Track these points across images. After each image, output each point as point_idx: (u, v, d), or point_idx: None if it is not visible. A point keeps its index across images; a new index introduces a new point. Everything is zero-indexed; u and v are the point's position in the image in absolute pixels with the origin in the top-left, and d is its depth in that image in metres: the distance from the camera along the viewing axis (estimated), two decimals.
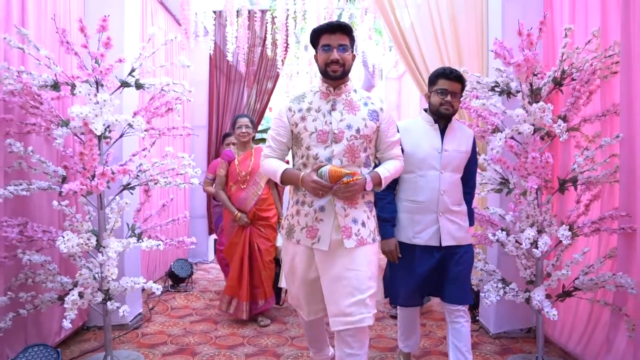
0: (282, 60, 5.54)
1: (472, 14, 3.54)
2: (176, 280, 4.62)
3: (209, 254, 6.14)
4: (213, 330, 3.51)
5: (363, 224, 2.05)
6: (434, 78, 2.39)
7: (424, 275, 2.36)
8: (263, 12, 5.49)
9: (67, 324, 2.26)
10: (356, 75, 7.42)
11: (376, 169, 2.09)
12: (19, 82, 2.49)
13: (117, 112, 2.58)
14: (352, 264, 1.99)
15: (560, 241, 2.60)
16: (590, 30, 2.69)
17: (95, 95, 2.45)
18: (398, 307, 2.59)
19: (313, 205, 2.03)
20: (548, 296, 2.65)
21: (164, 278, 4.75)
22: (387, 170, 2.08)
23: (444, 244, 2.33)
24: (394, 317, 3.57)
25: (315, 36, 2.06)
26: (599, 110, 2.74)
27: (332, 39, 2.00)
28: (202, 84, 5.82)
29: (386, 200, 2.40)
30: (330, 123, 2.02)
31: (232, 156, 3.72)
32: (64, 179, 2.65)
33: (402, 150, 2.29)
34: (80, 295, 2.39)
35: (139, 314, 3.65)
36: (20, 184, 2.51)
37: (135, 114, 2.72)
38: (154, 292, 2.66)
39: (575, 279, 2.65)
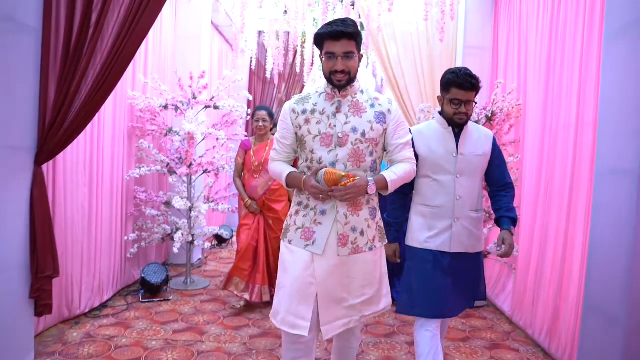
0: (307, 74, 7.04)
1: (445, 58, 4.98)
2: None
3: None
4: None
5: (362, 233, 1.94)
6: (447, 84, 2.23)
7: (439, 276, 2.22)
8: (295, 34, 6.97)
9: (176, 249, 3.86)
10: (366, 83, 8.85)
11: (382, 172, 1.96)
12: (147, 104, 4.06)
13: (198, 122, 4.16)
14: (348, 272, 1.93)
15: None
16: (514, 83, 4.12)
17: (190, 109, 4.03)
18: (415, 333, 2.27)
19: (315, 209, 1.94)
20: None
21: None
22: (394, 174, 1.95)
23: (452, 251, 2.22)
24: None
25: (319, 41, 1.92)
26: (513, 138, 4.20)
27: (337, 46, 1.85)
28: (242, 87, 7.35)
29: (395, 206, 2.36)
30: (335, 126, 1.91)
31: (249, 145, 3.87)
32: (168, 165, 4.23)
33: (417, 155, 2.22)
34: (175, 237, 4.00)
35: (199, 259, 5.26)
36: (142, 167, 4.09)
37: (213, 125, 4.29)
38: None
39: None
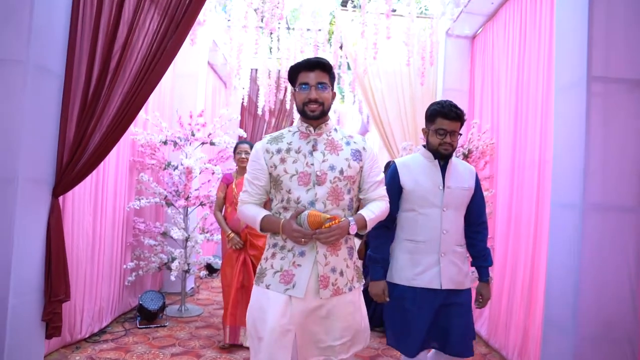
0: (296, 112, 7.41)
1: (426, 99, 5.37)
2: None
3: None
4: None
5: (341, 273, 1.91)
6: (431, 116, 2.23)
7: (425, 321, 2.17)
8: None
9: (173, 277, 4.08)
10: (352, 121, 9.26)
11: (360, 211, 1.93)
12: (147, 139, 4.34)
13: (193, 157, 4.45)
14: (327, 313, 1.88)
15: None
16: (487, 123, 4.49)
17: (188, 145, 4.32)
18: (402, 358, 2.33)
19: (292, 250, 1.88)
20: None
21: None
22: (372, 212, 1.93)
23: (444, 287, 2.16)
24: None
25: (293, 74, 1.93)
26: (488, 174, 4.54)
27: (311, 77, 1.87)
28: (234, 122, 7.68)
29: (380, 241, 2.27)
30: (312, 164, 1.87)
31: (230, 179, 3.88)
32: (165, 197, 4.48)
33: (401, 188, 2.24)
34: (172, 266, 4.21)
35: (191, 288, 5.44)
36: (142, 199, 4.33)
37: (210, 161, 4.58)
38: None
39: None
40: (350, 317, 1.93)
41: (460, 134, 2.26)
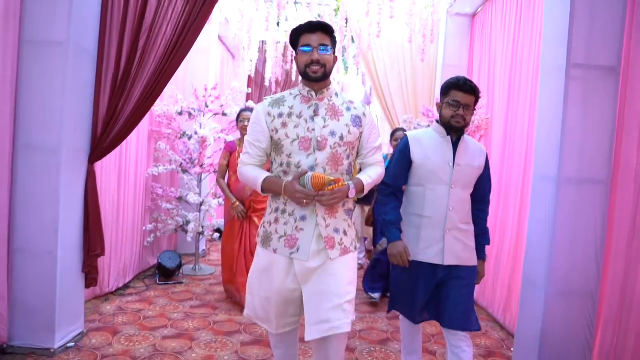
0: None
1: (427, 74, 5.62)
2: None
3: None
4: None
5: (345, 233, 1.96)
6: (446, 88, 2.22)
7: (425, 294, 2.23)
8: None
9: (189, 239, 4.44)
10: (355, 92, 9.47)
11: (358, 176, 1.98)
12: (164, 110, 4.62)
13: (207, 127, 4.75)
14: (332, 270, 1.90)
15: None
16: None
17: (202, 116, 4.62)
18: (400, 319, 2.48)
19: (294, 214, 1.92)
20: None
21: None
22: (369, 177, 1.98)
23: (446, 263, 2.19)
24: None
25: (295, 36, 1.93)
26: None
27: (313, 38, 1.87)
28: (242, 94, 7.93)
29: (391, 206, 2.28)
30: (314, 130, 1.89)
31: (234, 147, 3.94)
32: (181, 164, 4.79)
33: (411, 161, 2.25)
34: (188, 229, 4.57)
35: (203, 249, 5.82)
36: (160, 166, 4.65)
37: (222, 131, 4.88)
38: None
39: None
40: (352, 274, 1.97)
41: (475, 111, 2.26)
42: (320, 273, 1.91)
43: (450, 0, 5.13)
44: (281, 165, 1.95)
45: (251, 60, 7.04)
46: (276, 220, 1.98)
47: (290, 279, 1.93)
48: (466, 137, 2.31)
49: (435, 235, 2.21)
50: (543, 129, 2.81)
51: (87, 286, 3.08)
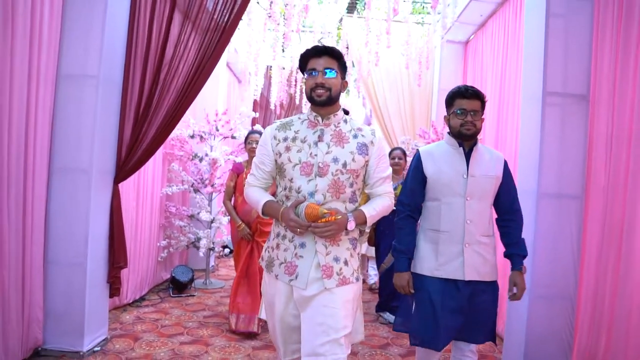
0: (305, 104, 8.00)
1: (424, 97, 5.97)
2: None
3: None
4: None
5: (346, 263, 1.90)
6: (450, 99, 2.20)
7: (449, 312, 2.11)
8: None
9: (201, 254, 4.74)
10: (356, 113, 9.84)
11: (361, 207, 1.94)
12: (177, 133, 4.96)
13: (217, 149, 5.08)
14: (330, 302, 1.85)
15: None
16: None
17: (212, 139, 4.95)
18: (417, 348, 2.30)
19: (294, 241, 1.91)
20: None
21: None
22: (373, 209, 1.93)
23: (467, 278, 2.11)
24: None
25: (303, 61, 1.94)
26: None
27: (319, 62, 1.88)
28: (249, 118, 8.29)
29: (405, 231, 2.23)
30: (316, 155, 1.88)
31: (241, 169, 3.94)
32: (192, 184, 5.11)
33: (425, 177, 2.21)
34: (200, 244, 4.87)
35: (212, 265, 6.10)
36: (173, 186, 4.96)
37: (231, 153, 5.21)
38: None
39: None
40: (350, 306, 1.91)
41: (483, 116, 2.19)
42: (317, 304, 1.86)
43: (447, 25, 5.50)
44: (284, 189, 1.95)
45: (257, 85, 7.43)
46: (277, 246, 1.97)
47: (291, 305, 1.93)
48: (480, 146, 2.24)
49: (454, 250, 2.13)
50: (524, 150, 3.11)
51: (111, 296, 3.36)
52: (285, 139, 1.94)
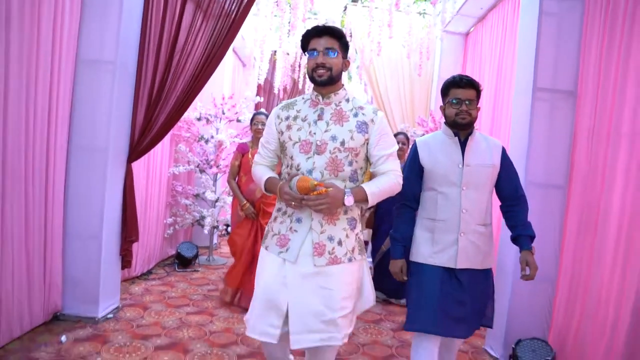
0: (308, 88, 8.16)
1: (424, 86, 6.13)
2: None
3: None
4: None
5: (339, 243, 1.90)
6: (445, 89, 2.22)
7: (450, 300, 2.13)
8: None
9: (206, 231, 4.97)
10: (358, 96, 9.96)
11: (363, 184, 1.92)
12: (184, 116, 5.14)
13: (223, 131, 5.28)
14: (326, 282, 1.85)
15: None
16: None
17: (218, 121, 5.14)
18: (412, 351, 2.23)
19: (291, 215, 1.93)
20: None
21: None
22: (375, 186, 1.91)
23: (459, 266, 2.15)
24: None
25: (305, 42, 1.96)
26: None
27: (320, 42, 1.90)
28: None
29: (401, 219, 2.28)
30: (315, 133, 1.90)
31: (246, 149, 4.04)
32: (198, 165, 5.31)
33: (422, 167, 2.23)
34: (205, 222, 5.09)
35: (215, 243, 6.34)
36: (180, 166, 5.17)
37: (236, 135, 5.40)
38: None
39: None
40: (350, 288, 1.90)
41: (478, 105, 2.21)
42: (313, 284, 1.86)
43: (446, 20, 5.65)
44: (287, 167, 1.99)
45: (260, 68, 7.58)
46: (275, 219, 2.02)
47: (279, 280, 1.89)
48: (477, 135, 2.26)
49: (449, 239, 2.17)
50: (514, 141, 3.31)
51: (123, 267, 3.59)
52: (287, 118, 1.99)
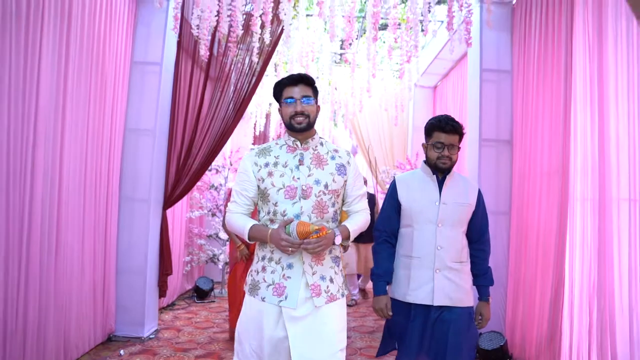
0: None
1: (401, 132, 7.09)
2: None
3: None
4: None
5: (331, 280, 1.97)
6: (429, 130, 2.24)
7: (419, 335, 2.18)
8: None
9: (220, 267, 5.75)
10: (344, 144, 10.94)
11: (344, 223, 2.01)
12: None
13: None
14: (322, 319, 1.91)
15: None
16: None
17: (226, 170, 6.01)
18: None
19: (281, 262, 1.94)
20: None
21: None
22: (355, 224, 2.01)
23: (436, 303, 2.14)
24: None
25: (278, 90, 2.01)
26: None
27: (295, 91, 1.95)
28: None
29: (382, 256, 2.30)
30: (298, 178, 1.93)
31: None
32: (210, 210, 6.13)
33: (400, 204, 2.27)
34: (220, 259, 5.87)
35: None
36: (194, 211, 5.98)
37: None
38: None
39: None
40: (342, 321, 1.99)
41: (459, 148, 2.24)
42: (309, 323, 1.91)
43: (417, 76, 6.68)
44: (268, 213, 1.98)
45: (258, 122, 8.55)
46: (263, 268, 1.98)
47: (280, 327, 1.93)
48: (455, 175, 2.31)
49: (425, 276, 2.17)
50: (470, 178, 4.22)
51: (160, 296, 4.36)
52: (266, 165, 1.98)
